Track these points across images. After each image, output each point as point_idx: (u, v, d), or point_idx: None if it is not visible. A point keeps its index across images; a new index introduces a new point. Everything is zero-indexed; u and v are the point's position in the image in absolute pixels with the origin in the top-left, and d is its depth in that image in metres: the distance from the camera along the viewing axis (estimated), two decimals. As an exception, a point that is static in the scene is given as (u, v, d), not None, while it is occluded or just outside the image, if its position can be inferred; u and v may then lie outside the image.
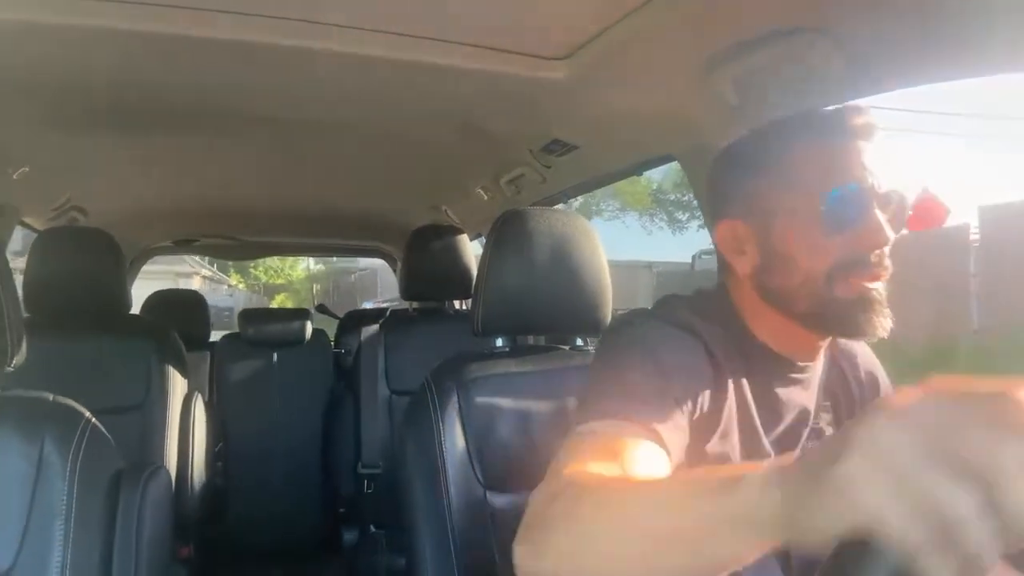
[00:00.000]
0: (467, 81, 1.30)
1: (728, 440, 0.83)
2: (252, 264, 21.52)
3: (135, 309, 1.97)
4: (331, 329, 3.28)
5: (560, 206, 2.08)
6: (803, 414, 0.89)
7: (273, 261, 21.53)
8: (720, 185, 0.91)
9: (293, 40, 1.10)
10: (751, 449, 0.84)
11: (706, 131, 1.30)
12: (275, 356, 2.83)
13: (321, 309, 4.17)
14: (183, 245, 3.41)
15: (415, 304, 2.33)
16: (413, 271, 2.18)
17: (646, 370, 0.78)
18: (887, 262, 0.79)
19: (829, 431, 0.90)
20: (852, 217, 0.78)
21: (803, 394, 0.89)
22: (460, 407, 1.12)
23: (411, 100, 1.44)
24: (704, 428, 0.80)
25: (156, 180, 2.25)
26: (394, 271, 3.61)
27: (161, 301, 3.03)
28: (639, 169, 1.81)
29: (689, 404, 0.78)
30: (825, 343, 0.88)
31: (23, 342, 0.97)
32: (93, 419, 0.99)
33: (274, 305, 17.12)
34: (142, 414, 1.67)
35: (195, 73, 1.29)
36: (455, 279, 2.11)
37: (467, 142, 1.76)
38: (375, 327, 2.22)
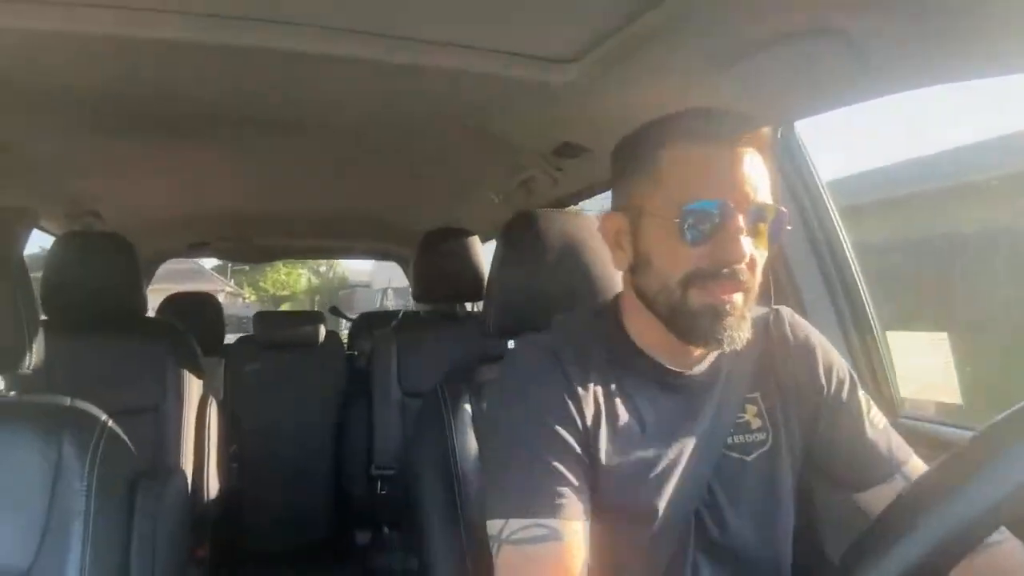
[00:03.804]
0: (477, 84, 1.30)
1: (616, 448, 0.82)
2: (261, 279, 24.00)
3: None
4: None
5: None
6: (715, 416, 0.86)
7: (279, 276, 23.86)
8: (612, 176, 0.89)
9: (308, 46, 1.12)
10: (632, 455, 0.83)
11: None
12: (289, 359, 2.84)
13: (334, 311, 4.19)
14: (197, 248, 3.44)
15: (424, 307, 2.33)
16: (424, 274, 2.18)
17: (538, 439, 0.79)
18: (744, 276, 0.77)
19: (757, 423, 0.88)
20: (707, 232, 0.76)
21: (694, 400, 0.86)
22: (472, 410, 1.13)
23: (422, 104, 1.45)
24: (595, 444, 0.81)
25: (172, 184, 2.27)
26: (406, 273, 3.62)
27: (176, 304, 3.06)
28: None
29: (576, 438, 0.80)
30: (704, 351, 0.85)
31: (40, 344, 0.98)
32: (110, 422, 1.00)
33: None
34: (158, 416, 1.69)
35: (210, 79, 1.31)
36: (467, 282, 2.11)
37: (478, 145, 1.77)
38: (388, 329, 2.23)
